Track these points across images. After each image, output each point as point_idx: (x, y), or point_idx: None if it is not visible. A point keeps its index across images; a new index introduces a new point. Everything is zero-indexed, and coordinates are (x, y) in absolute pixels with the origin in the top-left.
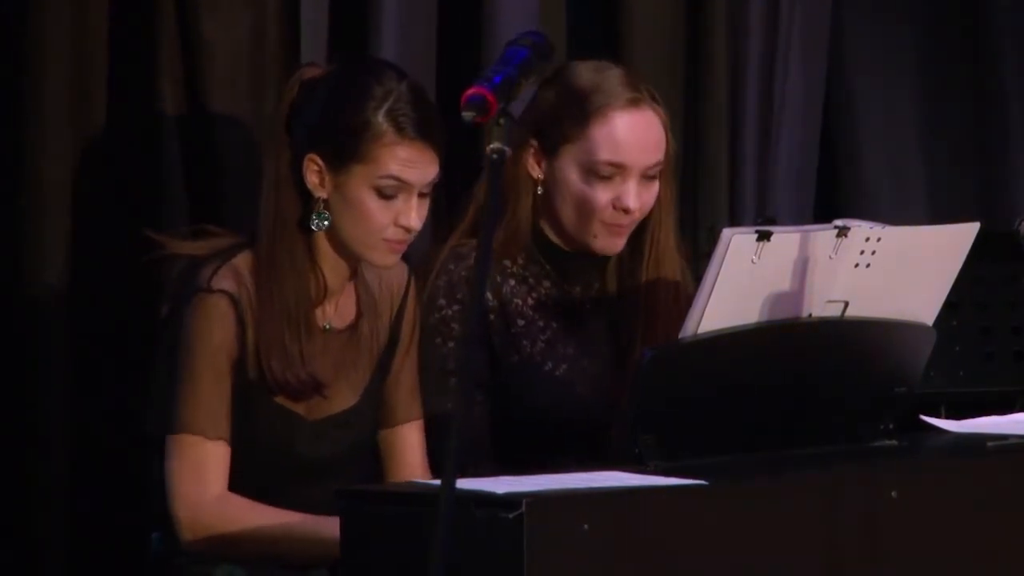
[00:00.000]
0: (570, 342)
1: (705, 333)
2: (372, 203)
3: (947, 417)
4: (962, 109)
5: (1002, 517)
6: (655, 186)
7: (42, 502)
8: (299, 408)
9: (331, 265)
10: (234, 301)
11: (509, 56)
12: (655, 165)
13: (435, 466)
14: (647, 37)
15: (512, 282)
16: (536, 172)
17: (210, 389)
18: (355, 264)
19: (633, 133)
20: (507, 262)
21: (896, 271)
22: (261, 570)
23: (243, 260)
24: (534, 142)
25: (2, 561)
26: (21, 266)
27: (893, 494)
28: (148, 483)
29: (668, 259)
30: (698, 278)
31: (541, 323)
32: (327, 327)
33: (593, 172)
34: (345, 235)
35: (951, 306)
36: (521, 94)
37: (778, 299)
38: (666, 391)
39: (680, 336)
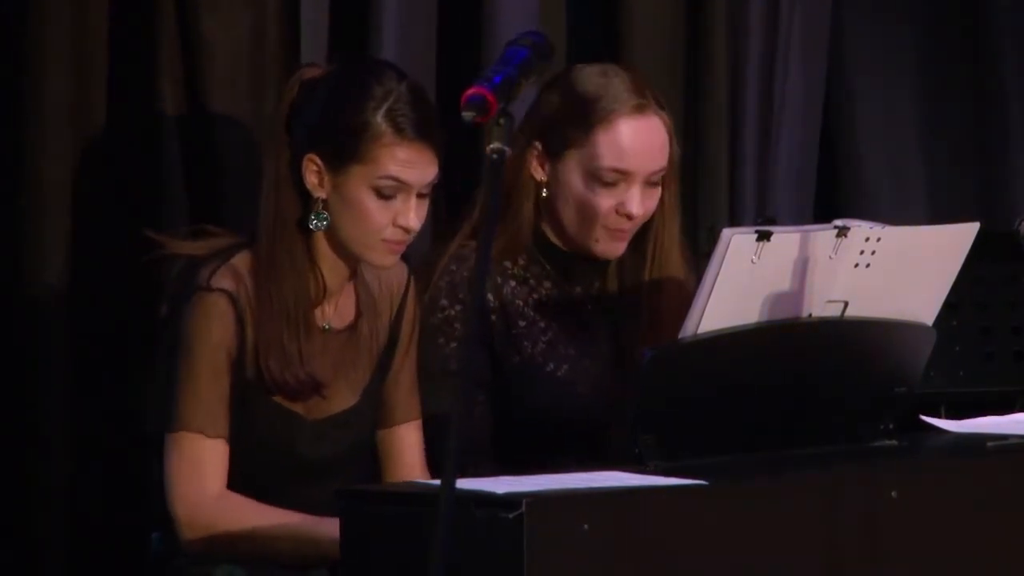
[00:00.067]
0: (571, 343)
1: (705, 333)
2: (371, 203)
3: (947, 417)
4: (962, 109)
5: (1002, 517)
6: (658, 191)
7: (42, 502)
8: (298, 408)
9: (330, 265)
10: (233, 300)
11: (509, 56)
12: (659, 171)
13: (436, 466)
14: (647, 37)
15: (513, 283)
16: (540, 175)
17: (209, 387)
18: (354, 264)
19: (638, 140)
20: (508, 263)
21: (896, 271)
22: (261, 570)
23: (242, 260)
24: (538, 145)
25: (2, 561)
26: (21, 266)
27: (893, 494)
28: (148, 483)
29: (672, 263)
30: (698, 278)
31: (542, 324)
32: (326, 327)
33: (597, 178)
34: (344, 235)
35: (951, 306)
36: (521, 94)
37: (778, 299)
38: (666, 391)
39: (680, 336)
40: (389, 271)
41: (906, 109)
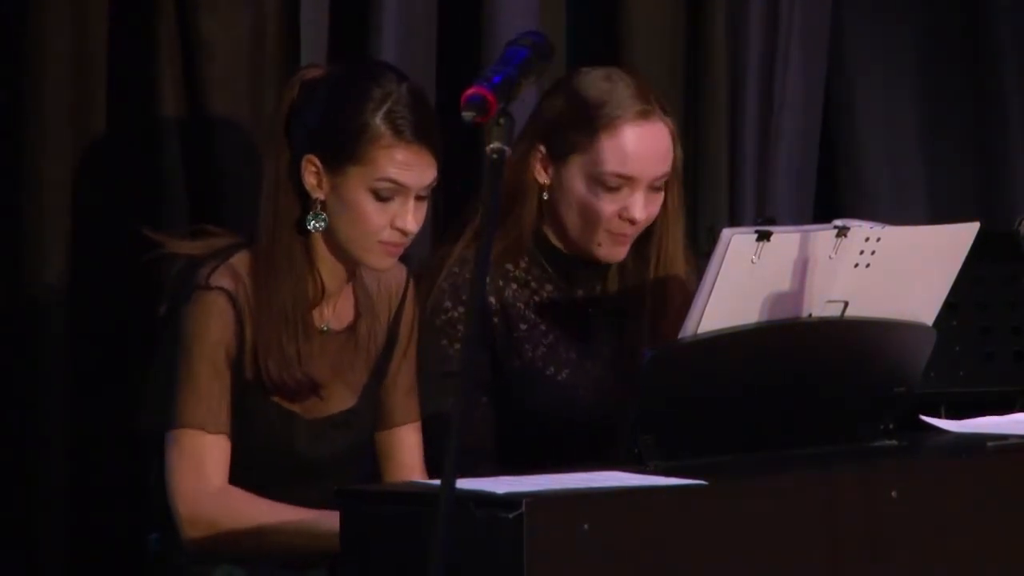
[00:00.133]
0: (572, 346)
1: (705, 333)
2: (368, 205)
3: (947, 417)
4: (962, 109)
5: (1002, 517)
6: (661, 195)
7: (42, 502)
8: (296, 408)
9: (329, 267)
10: (232, 299)
11: (509, 56)
12: (662, 176)
13: (438, 467)
14: (647, 37)
15: (514, 286)
16: (543, 178)
17: (209, 384)
18: (353, 266)
19: (642, 146)
20: (509, 266)
21: (896, 271)
22: (261, 570)
23: (241, 260)
24: (542, 148)
25: (2, 561)
26: (21, 266)
27: (893, 494)
28: (147, 483)
29: (675, 266)
30: (700, 280)
31: (543, 327)
32: (324, 328)
33: (601, 182)
34: (342, 237)
35: (951, 306)
36: (521, 94)
37: (778, 299)
38: (666, 391)
39: (680, 336)
40: (388, 273)
41: (906, 109)
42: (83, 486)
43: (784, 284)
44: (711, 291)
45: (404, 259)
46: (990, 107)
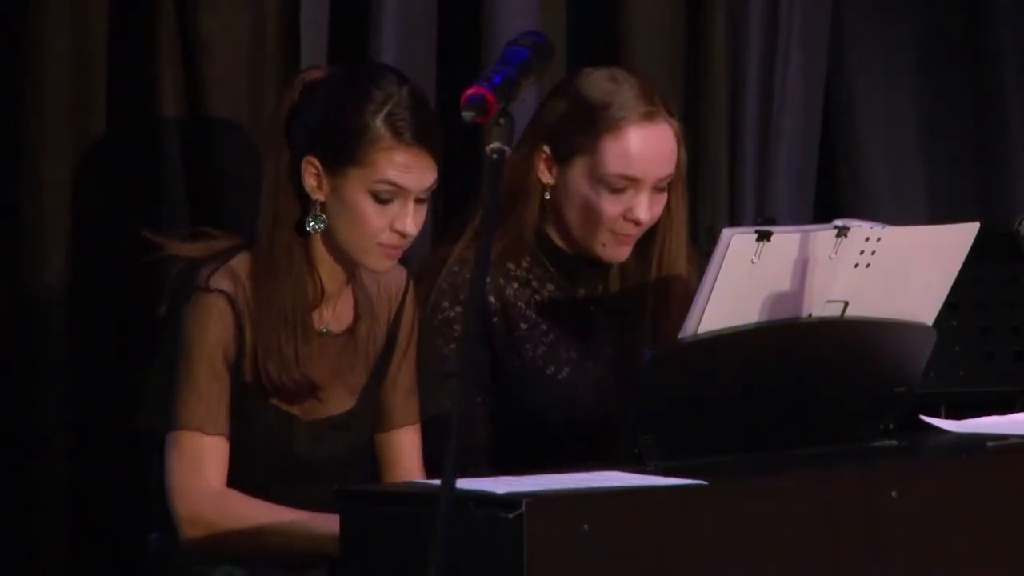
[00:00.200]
0: (573, 346)
1: (705, 333)
2: (368, 207)
3: (947, 417)
4: (962, 109)
5: (1002, 517)
6: (665, 196)
7: (42, 502)
8: (295, 410)
9: (328, 269)
10: (231, 301)
11: (509, 56)
12: (666, 177)
13: (436, 468)
14: (647, 37)
15: (515, 285)
16: (547, 178)
17: (208, 386)
18: (352, 268)
19: (647, 147)
20: (511, 265)
21: (896, 271)
22: (260, 570)
23: (240, 262)
24: (546, 149)
25: (2, 561)
26: (21, 266)
27: (893, 494)
28: (147, 483)
29: (678, 267)
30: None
31: (544, 327)
32: (324, 331)
33: (605, 184)
34: (341, 238)
35: (951, 306)
36: (521, 94)
37: (778, 299)
38: (666, 391)
39: (680, 336)
40: (388, 275)
41: (906, 109)
42: (83, 486)
43: (784, 284)
44: (711, 291)
45: (404, 261)
46: (990, 107)
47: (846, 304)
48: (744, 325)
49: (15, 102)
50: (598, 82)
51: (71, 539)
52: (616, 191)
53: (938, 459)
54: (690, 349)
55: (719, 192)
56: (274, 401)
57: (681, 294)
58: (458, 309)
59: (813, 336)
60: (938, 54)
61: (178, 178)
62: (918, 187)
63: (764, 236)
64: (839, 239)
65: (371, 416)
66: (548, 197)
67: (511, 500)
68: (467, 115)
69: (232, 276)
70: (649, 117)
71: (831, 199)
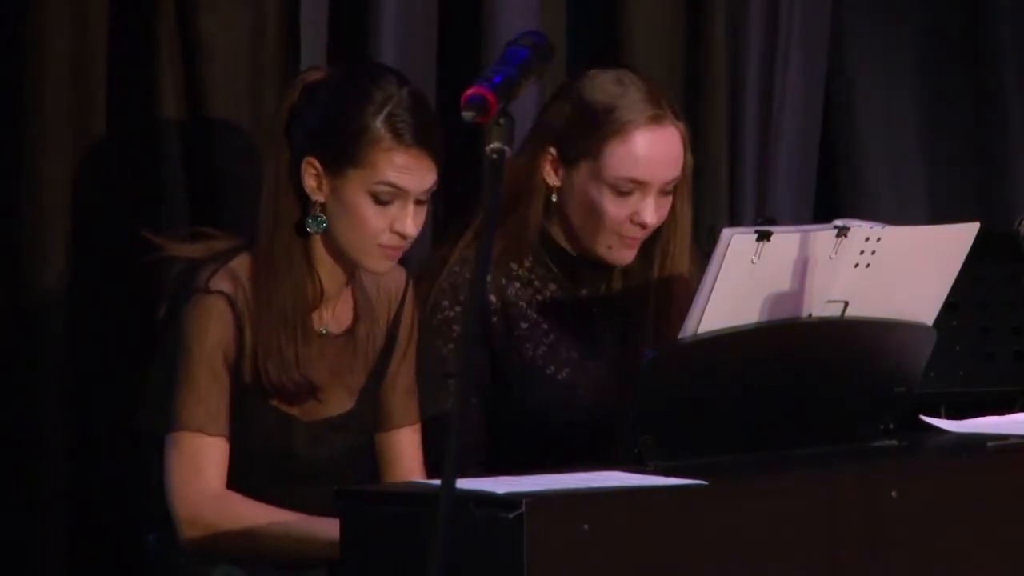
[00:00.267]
0: (575, 346)
1: (705, 333)
2: (368, 209)
3: (947, 417)
4: (962, 109)
5: (1002, 517)
6: (670, 199)
7: (42, 502)
8: (294, 411)
9: (328, 270)
10: (231, 303)
11: (509, 56)
12: (673, 180)
13: (434, 468)
14: (647, 37)
15: (517, 284)
16: (552, 180)
17: (208, 387)
18: (352, 269)
19: (654, 151)
20: (513, 264)
21: (896, 271)
22: (259, 570)
23: (240, 263)
24: (552, 151)
25: (2, 561)
26: (21, 266)
27: (893, 494)
28: (146, 483)
29: (680, 269)
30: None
31: (545, 326)
32: (323, 332)
33: (612, 187)
34: (341, 239)
35: (951, 306)
36: (521, 94)
37: (778, 299)
38: (666, 391)
39: (680, 336)
40: (387, 275)
41: (906, 109)
42: (83, 486)
43: (784, 284)
44: (711, 291)
45: (403, 261)
46: (990, 107)
47: (846, 304)
48: (744, 325)
49: (15, 102)
50: (605, 85)
51: (70, 539)
52: (622, 194)
53: (938, 459)
54: (690, 349)
55: (719, 192)
56: (274, 402)
57: (684, 296)
58: (458, 309)
59: (813, 336)
60: (938, 54)
61: (178, 178)
62: (918, 187)
63: (764, 236)
64: (839, 239)
65: (370, 417)
66: (555, 199)
67: (511, 500)
68: (467, 115)
69: (232, 277)
70: (656, 120)
71: (831, 199)
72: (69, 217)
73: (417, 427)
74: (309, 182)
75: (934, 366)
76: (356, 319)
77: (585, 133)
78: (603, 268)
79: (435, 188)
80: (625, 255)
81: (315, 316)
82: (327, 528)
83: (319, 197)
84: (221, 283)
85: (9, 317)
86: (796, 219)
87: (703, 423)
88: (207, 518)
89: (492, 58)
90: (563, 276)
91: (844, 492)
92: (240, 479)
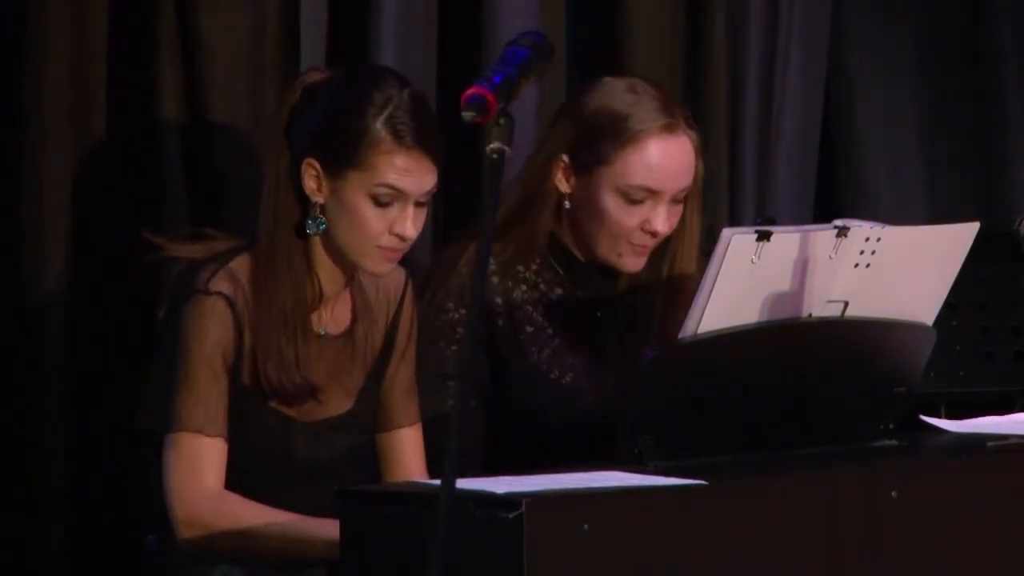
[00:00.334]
0: (580, 351)
1: (705, 333)
2: (367, 210)
3: (947, 417)
4: (962, 109)
5: (1002, 517)
6: (682, 207)
7: (41, 502)
8: (293, 412)
9: (327, 271)
10: (231, 304)
11: (509, 56)
12: (685, 189)
13: (432, 468)
14: (647, 37)
15: (524, 287)
16: (564, 187)
17: (207, 388)
18: (351, 270)
19: (667, 159)
20: (520, 267)
21: (896, 271)
22: (258, 570)
23: (240, 264)
24: (565, 158)
25: (2, 561)
26: (21, 266)
27: (893, 494)
28: (146, 483)
29: (688, 275)
30: None
31: (550, 330)
32: (322, 333)
33: (625, 195)
34: (340, 241)
35: (951, 306)
36: (521, 94)
37: (778, 299)
38: (666, 391)
39: (680, 336)
40: (387, 276)
41: (906, 109)
42: (83, 486)
43: (784, 284)
44: (711, 291)
45: (403, 262)
46: (990, 107)
47: (846, 304)
48: (744, 325)
49: (15, 102)
50: (618, 93)
51: (70, 539)
52: (634, 202)
53: (938, 459)
54: (690, 349)
55: (719, 192)
56: (273, 403)
57: (689, 303)
58: (462, 311)
59: (813, 336)
60: (938, 54)
61: (178, 178)
62: (918, 187)
63: (764, 236)
64: (839, 239)
65: (369, 417)
66: (567, 206)
67: (511, 500)
68: (467, 115)
69: (232, 278)
70: (669, 129)
71: (831, 199)
72: (69, 217)
73: (418, 427)
74: (309, 183)
75: (934, 366)
76: (355, 320)
77: (598, 141)
78: (610, 274)
79: (435, 190)
80: (635, 263)
81: (314, 317)
82: (325, 528)
83: (319, 198)
84: (221, 284)
85: (9, 317)
86: (796, 219)
87: (703, 423)
88: (205, 518)
89: (492, 58)
90: (570, 281)
91: (844, 492)
92: (239, 480)
